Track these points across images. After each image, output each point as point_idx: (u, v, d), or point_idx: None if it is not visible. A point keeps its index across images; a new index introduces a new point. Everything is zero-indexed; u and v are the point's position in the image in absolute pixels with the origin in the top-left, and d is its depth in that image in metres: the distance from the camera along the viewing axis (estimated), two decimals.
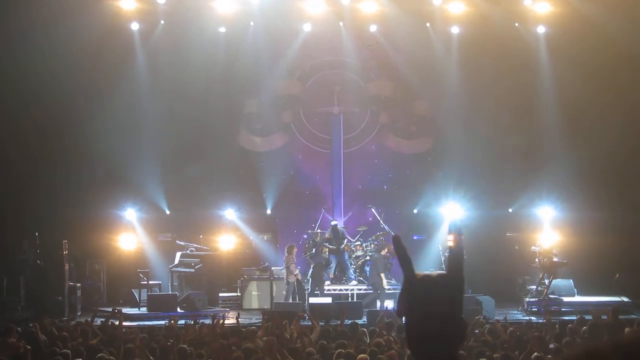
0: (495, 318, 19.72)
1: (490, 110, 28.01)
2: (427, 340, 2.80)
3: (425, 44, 28.49)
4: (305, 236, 27.95)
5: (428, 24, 28.45)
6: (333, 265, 26.23)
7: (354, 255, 26.57)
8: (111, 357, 12.75)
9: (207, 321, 18.49)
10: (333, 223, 26.81)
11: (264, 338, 14.87)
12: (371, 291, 25.10)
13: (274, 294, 25.44)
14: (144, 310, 24.12)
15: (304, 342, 14.62)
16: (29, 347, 14.11)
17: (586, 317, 17.69)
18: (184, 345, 13.55)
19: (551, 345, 14.28)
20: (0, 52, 25.43)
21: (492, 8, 27.44)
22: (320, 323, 17.06)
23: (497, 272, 26.65)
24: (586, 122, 27.62)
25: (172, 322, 16.88)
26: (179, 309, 23.67)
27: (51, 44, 25.21)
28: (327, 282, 25.87)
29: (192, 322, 16.97)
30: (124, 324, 18.21)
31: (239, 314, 19.64)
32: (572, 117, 27.97)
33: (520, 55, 28.17)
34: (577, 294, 25.42)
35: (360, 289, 25.65)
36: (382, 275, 25.02)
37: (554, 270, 25.00)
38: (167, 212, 28.44)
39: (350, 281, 25.90)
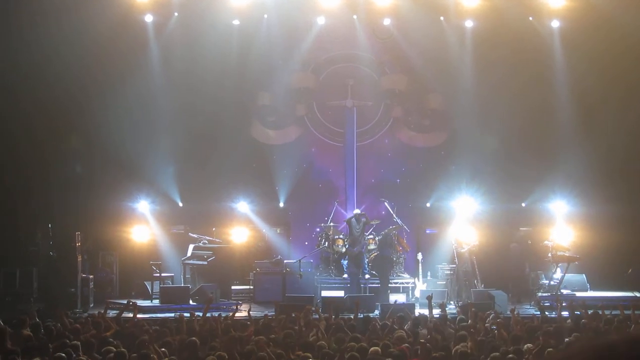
0: (510, 308, 19.72)
1: (504, 104, 27.92)
2: None
3: (439, 37, 28.42)
4: (317, 229, 27.97)
5: (442, 18, 28.37)
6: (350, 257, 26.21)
7: (366, 249, 26.44)
8: (123, 350, 12.76)
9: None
10: (357, 212, 26.56)
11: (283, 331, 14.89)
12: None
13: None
14: (156, 302, 24.21)
15: (318, 336, 14.63)
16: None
17: (600, 312, 17.65)
18: (194, 338, 13.56)
19: (566, 339, 14.28)
20: (12, 43, 25.48)
21: (506, 2, 27.35)
22: (333, 316, 17.05)
23: (509, 266, 26.62)
24: (600, 117, 27.55)
25: (181, 314, 16.81)
26: (191, 302, 23.73)
27: (64, 36, 25.23)
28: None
29: (180, 316, 16.76)
30: (137, 316, 18.24)
31: (250, 307, 19.51)
32: (586, 111, 27.89)
33: (534, 49, 28.08)
34: (590, 289, 25.37)
35: (373, 283, 25.63)
36: None
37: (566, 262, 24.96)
38: (180, 204, 28.46)
39: (364, 274, 25.84)
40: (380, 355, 12.81)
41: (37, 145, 26.55)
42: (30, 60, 25.42)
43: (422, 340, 13.52)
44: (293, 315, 16.80)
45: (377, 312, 21.76)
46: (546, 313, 19.92)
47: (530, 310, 23.76)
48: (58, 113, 26.37)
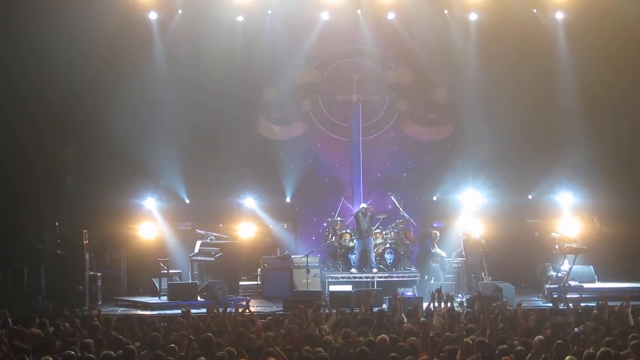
0: (517, 302, 19.73)
1: (509, 97, 27.90)
2: None
3: (443, 31, 28.36)
4: (324, 224, 28.00)
5: (446, 11, 28.33)
6: (357, 252, 26.16)
7: (374, 243, 26.41)
8: (132, 347, 12.76)
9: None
10: (363, 206, 26.50)
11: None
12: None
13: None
14: (164, 299, 24.23)
15: (321, 331, 14.62)
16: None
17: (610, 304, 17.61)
18: (210, 334, 13.57)
19: (576, 329, 14.29)
20: (17, 40, 25.50)
21: None
22: (345, 310, 17.06)
23: (517, 258, 26.66)
24: (606, 108, 27.52)
25: (187, 309, 16.75)
26: (199, 298, 23.76)
27: (69, 34, 25.22)
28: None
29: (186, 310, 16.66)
30: (145, 313, 18.23)
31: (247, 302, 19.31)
32: (591, 103, 27.84)
33: (538, 41, 28.01)
34: (598, 281, 25.35)
35: (380, 277, 25.62)
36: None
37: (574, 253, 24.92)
38: (187, 201, 28.49)
39: (371, 268, 25.84)
40: (389, 345, 12.85)
41: (43, 142, 26.59)
42: (35, 58, 25.43)
43: (432, 334, 13.51)
44: (309, 310, 16.80)
45: (385, 305, 21.74)
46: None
47: (539, 302, 23.80)
48: (63, 110, 26.39)
